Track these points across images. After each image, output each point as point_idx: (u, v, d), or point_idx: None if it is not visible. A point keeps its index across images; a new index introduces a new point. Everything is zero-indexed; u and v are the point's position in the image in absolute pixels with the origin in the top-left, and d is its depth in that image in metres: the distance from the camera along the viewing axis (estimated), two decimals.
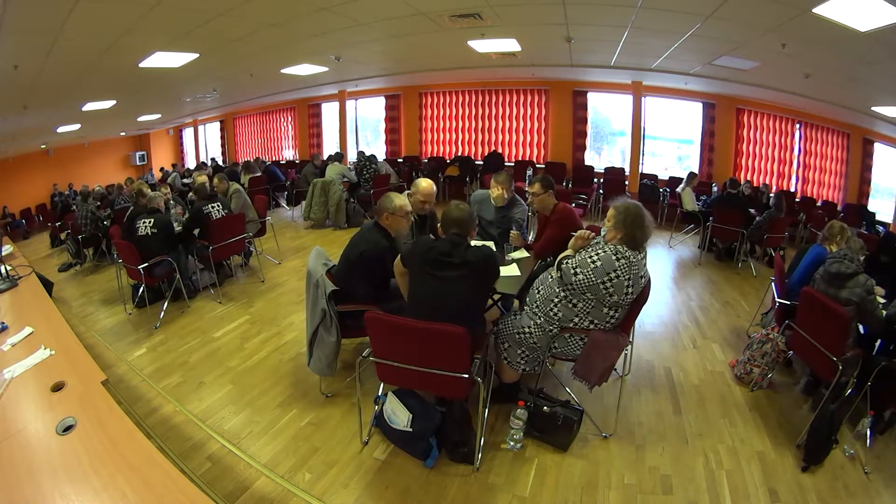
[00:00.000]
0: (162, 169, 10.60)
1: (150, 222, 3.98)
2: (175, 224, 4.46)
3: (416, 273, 2.21)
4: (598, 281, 2.08)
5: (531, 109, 8.78)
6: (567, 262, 2.18)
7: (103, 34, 4.14)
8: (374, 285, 2.56)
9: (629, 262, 2.08)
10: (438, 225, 2.43)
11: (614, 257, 2.09)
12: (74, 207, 7.21)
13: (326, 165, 7.51)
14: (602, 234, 2.29)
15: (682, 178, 7.89)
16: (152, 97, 7.92)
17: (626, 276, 2.07)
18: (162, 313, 3.89)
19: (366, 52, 6.20)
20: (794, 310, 2.89)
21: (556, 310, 2.24)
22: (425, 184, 3.09)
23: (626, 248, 2.13)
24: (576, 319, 2.21)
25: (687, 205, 6.17)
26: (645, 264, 2.19)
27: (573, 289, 2.16)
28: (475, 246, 2.22)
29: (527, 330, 2.28)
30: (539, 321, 2.28)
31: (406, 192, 3.11)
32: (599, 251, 2.14)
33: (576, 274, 2.12)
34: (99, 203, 6.79)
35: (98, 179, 10.90)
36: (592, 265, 2.10)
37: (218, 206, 4.45)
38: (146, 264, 3.75)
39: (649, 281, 2.45)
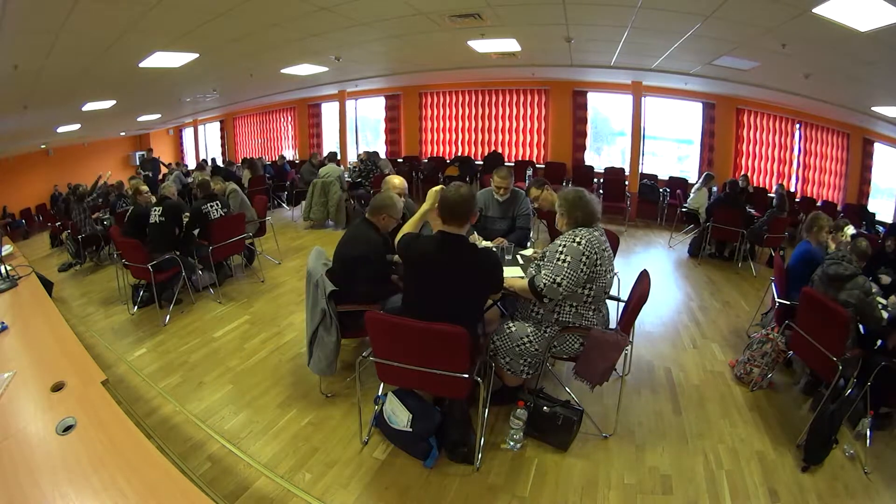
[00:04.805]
0: (168, 164, 10.64)
1: (159, 210, 4.19)
2: None
3: (413, 270, 2.21)
4: (578, 272, 2.12)
5: (531, 109, 8.77)
6: (543, 282, 2.14)
7: (103, 34, 4.13)
8: (376, 282, 2.59)
9: (588, 240, 2.15)
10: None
11: (574, 242, 2.15)
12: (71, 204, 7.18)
13: (322, 165, 7.48)
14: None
15: (682, 179, 7.89)
16: (152, 97, 7.91)
17: (592, 251, 2.14)
18: (169, 314, 3.90)
19: (366, 52, 6.19)
20: (793, 310, 2.89)
21: (537, 309, 2.29)
22: (397, 180, 3.19)
23: (579, 229, 2.20)
24: (556, 308, 2.25)
25: (697, 202, 6.16)
26: (605, 240, 2.26)
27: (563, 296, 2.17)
28: (481, 249, 2.21)
29: (526, 340, 2.27)
30: (532, 328, 2.28)
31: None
32: (559, 248, 2.18)
33: (559, 284, 2.12)
34: (100, 201, 6.79)
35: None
36: (565, 265, 2.12)
37: (217, 204, 4.44)
38: (155, 262, 3.76)
39: (649, 278, 2.45)
